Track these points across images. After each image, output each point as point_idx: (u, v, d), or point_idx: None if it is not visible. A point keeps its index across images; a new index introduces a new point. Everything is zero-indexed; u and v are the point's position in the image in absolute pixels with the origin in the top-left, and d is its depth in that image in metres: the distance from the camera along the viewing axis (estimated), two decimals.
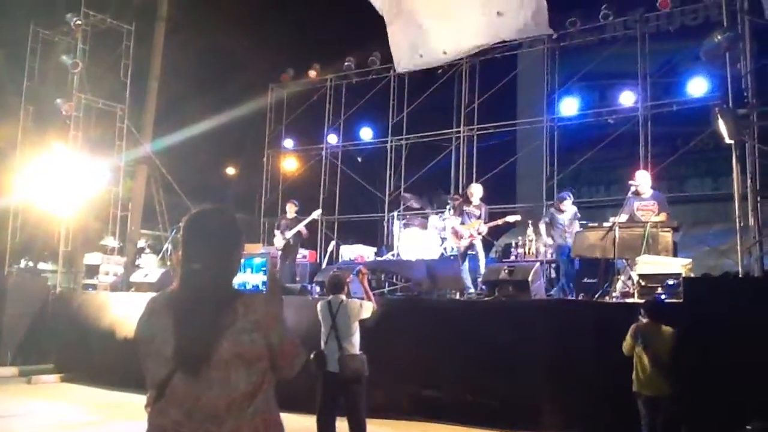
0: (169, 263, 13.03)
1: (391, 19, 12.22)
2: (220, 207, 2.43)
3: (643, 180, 9.29)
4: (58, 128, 14.31)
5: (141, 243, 15.09)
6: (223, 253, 2.30)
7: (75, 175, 13.51)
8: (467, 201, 10.76)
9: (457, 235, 10.43)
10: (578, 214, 10.29)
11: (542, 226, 10.39)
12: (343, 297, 6.25)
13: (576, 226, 9.79)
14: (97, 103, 14.50)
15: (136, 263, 13.63)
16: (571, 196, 10.50)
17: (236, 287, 2.36)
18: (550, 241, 10.38)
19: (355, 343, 6.08)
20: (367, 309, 6.24)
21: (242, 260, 2.21)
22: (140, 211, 16.32)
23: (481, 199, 10.75)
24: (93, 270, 12.87)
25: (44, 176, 13.53)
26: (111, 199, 14.73)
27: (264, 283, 2.15)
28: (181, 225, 2.33)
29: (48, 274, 14.81)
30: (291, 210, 12.06)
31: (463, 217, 10.56)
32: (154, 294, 2.45)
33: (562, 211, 10.22)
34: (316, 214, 12.17)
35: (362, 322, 6.21)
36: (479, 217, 10.45)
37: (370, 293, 6.52)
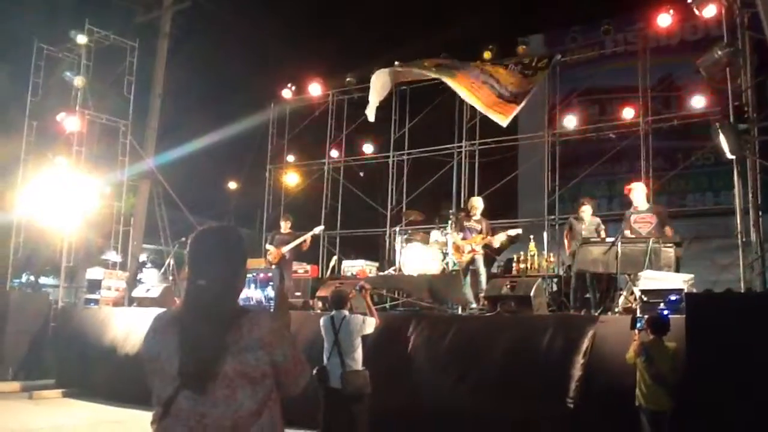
0: (171, 278, 13.03)
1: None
2: (226, 225, 2.48)
3: (637, 190, 9.33)
4: (61, 144, 14.37)
5: (143, 258, 15.09)
6: (229, 270, 2.31)
7: (78, 190, 13.54)
8: (468, 216, 10.73)
9: (459, 250, 10.41)
10: (602, 225, 9.94)
11: (564, 239, 10.27)
12: (346, 312, 6.25)
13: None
14: (100, 119, 14.61)
15: (138, 278, 13.64)
16: (591, 202, 10.21)
17: (242, 303, 2.36)
18: (566, 253, 10.24)
19: (357, 358, 6.08)
20: (370, 325, 6.24)
21: (248, 276, 2.21)
22: (142, 226, 16.34)
23: (482, 214, 10.73)
24: (95, 285, 12.89)
25: (47, 191, 13.57)
26: (113, 213, 14.78)
27: (270, 298, 2.13)
28: (188, 242, 2.36)
29: (50, 289, 14.82)
30: (286, 225, 12.12)
31: (464, 231, 10.53)
32: (158, 310, 2.47)
33: (581, 219, 9.95)
34: (318, 229, 12.19)
35: (364, 337, 6.21)
36: (480, 232, 10.42)
37: (373, 309, 6.52)
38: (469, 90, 11.75)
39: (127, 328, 10.61)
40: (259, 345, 2.18)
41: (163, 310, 2.43)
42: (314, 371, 5.95)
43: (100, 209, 14.54)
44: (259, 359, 2.17)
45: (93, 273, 13.15)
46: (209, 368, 2.13)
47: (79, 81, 14.07)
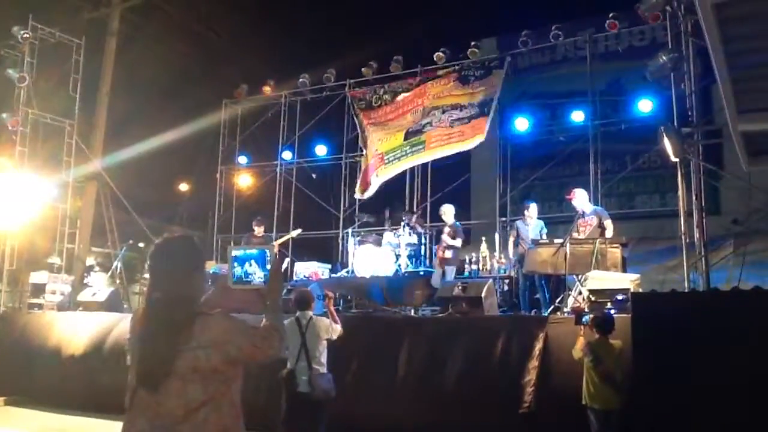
0: (118, 282, 12.76)
1: None
2: (180, 237, 2.76)
3: (578, 197, 9.56)
4: (3, 144, 13.94)
5: (90, 261, 14.72)
6: (183, 279, 2.61)
7: (21, 191, 13.15)
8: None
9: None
10: (545, 228, 10.39)
11: (510, 239, 10.55)
12: (311, 313, 6.15)
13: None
14: (45, 118, 14.19)
15: (85, 282, 13.30)
16: (534, 205, 10.62)
17: (246, 279, 2.77)
18: (511, 254, 10.52)
19: (324, 362, 5.98)
20: (336, 331, 6.18)
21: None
22: (89, 229, 15.95)
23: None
24: (39, 289, 12.50)
25: None
26: (58, 216, 14.38)
27: (266, 276, 2.14)
28: (147, 256, 2.78)
29: None
30: (259, 230, 12.13)
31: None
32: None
33: (528, 222, 10.38)
34: (295, 233, 12.17)
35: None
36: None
37: (336, 317, 6.42)
38: (441, 144, 12.63)
39: (73, 333, 10.34)
40: (210, 344, 2.46)
41: (139, 308, 2.81)
42: (282, 375, 5.86)
43: (44, 211, 14.13)
44: (210, 356, 2.45)
45: (37, 277, 12.75)
46: (161, 368, 2.43)
47: (22, 79, 13.67)
